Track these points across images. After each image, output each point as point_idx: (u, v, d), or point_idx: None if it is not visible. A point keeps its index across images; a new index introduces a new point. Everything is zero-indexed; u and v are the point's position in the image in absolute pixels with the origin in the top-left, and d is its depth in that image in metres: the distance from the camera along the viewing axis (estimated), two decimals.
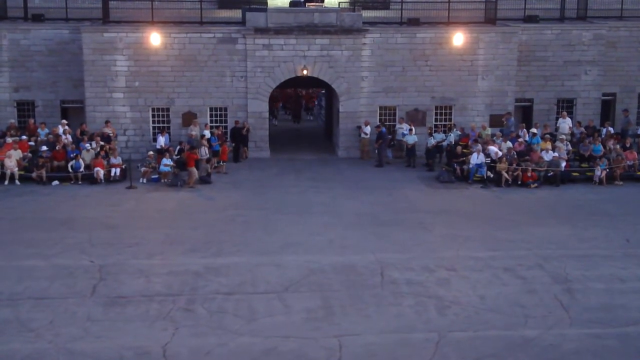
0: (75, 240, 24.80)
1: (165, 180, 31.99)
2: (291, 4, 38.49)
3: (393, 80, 36.41)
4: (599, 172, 32.61)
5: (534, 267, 22.99)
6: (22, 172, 31.90)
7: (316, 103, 48.99)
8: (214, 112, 36.24)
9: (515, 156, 32.80)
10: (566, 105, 38.13)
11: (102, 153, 32.77)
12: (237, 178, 32.95)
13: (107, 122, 34.96)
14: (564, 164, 32.84)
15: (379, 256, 23.68)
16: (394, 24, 37.31)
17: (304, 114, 47.64)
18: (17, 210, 28.16)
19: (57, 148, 32.69)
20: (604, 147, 34.20)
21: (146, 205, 29.10)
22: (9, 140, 33.13)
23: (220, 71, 35.69)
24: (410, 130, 35.39)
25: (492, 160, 32.52)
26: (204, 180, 31.78)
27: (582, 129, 36.06)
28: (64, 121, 35.09)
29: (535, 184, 32.02)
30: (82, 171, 31.93)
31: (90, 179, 31.92)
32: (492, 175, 32.22)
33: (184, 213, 28.12)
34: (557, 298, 20.82)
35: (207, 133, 34.57)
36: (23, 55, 36.16)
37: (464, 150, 33.74)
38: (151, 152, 33.31)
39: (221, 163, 33.77)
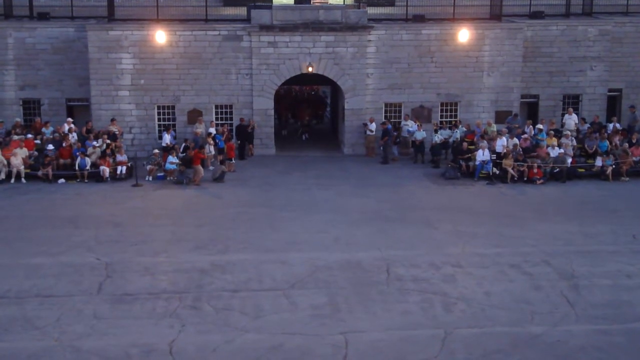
0: (82, 238, 24.86)
1: (171, 178, 32.02)
2: (296, 1, 38.44)
3: (398, 77, 36.37)
4: (600, 162, 32.61)
5: (540, 263, 22.96)
6: (28, 171, 31.97)
7: (327, 108, 45.64)
8: (219, 110, 36.22)
9: (521, 152, 32.77)
10: (572, 102, 38.05)
11: (108, 151, 32.84)
12: (243, 175, 32.95)
13: (112, 120, 35.01)
14: (570, 160, 32.79)
15: (384, 253, 23.67)
16: (399, 21, 37.26)
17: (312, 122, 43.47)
18: (24, 209, 28.23)
19: (63, 145, 32.75)
20: (610, 143, 34.13)
21: (152, 203, 29.14)
22: (15, 138, 33.24)
23: (225, 69, 35.69)
24: (419, 126, 35.36)
25: (498, 157, 32.49)
26: (218, 180, 31.68)
27: (588, 125, 36.01)
28: (70, 119, 35.16)
29: (541, 180, 31.97)
30: (88, 169, 31.98)
31: (96, 177, 31.98)
32: (498, 172, 32.19)
33: (190, 210, 28.14)
34: (563, 294, 20.80)
35: (213, 130, 34.60)
36: (29, 53, 36.18)
37: (470, 147, 33.70)
38: (157, 150, 33.34)
39: (232, 161, 33.68)
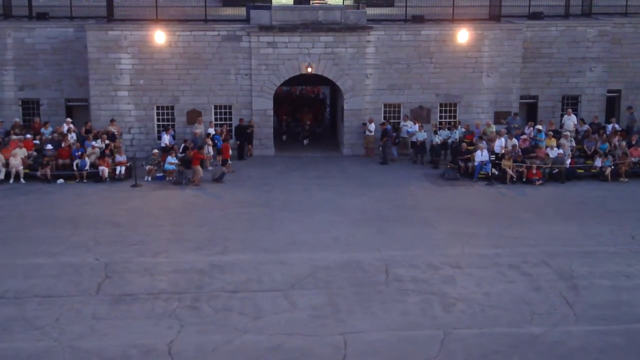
0: (81, 239, 24.85)
1: (170, 178, 32.01)
2: (295, 2, 38.44)
3: (397, 77, 36.37)
4: (599, 163, 32.64)
5: (540, 264, 22.97)
6: (27, 171, 31.95)
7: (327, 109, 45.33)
8: (218, 110, 36.21)
9: (520, 153, 32.78)
10: (571, 102, 38.05)
11: (107, 151, 32.83)
12: (242, 176, 32.94)
13: (112, 120, 35.01)
14: (568, 161, 32.80)
15: (384, 253, 23.68)
16: (399, 21, 37.27)
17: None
18: (23, 209, 28.21)
19: (62, 145, 32.74)
20: (609, 144, 34.14)
21: (151, 203, 29.13)
22: (14, 138, 33.22)
23: (224, 69, 35.69)
24: (421, 127, 35.34)
25: (497, 157, 32.49)
26: (217, 180, 31.65)
27: (587, 126, 36.02)
28: (69, 119, 35.15)
29: (540, 181, 31.98)
30: (87, 169, 31.97)
31: (95, 177, 31.97)
32: (497, 173, 32.19)
33: (189, 211, 28.14)
34: (562, 295, 20.81)
35: (212, 131, 34.60)
36: (28, 53, 36.18)
37: (469, 148, 33.71)
38: (156, 151, 33.33)
39: (228, 161, 33.65)
